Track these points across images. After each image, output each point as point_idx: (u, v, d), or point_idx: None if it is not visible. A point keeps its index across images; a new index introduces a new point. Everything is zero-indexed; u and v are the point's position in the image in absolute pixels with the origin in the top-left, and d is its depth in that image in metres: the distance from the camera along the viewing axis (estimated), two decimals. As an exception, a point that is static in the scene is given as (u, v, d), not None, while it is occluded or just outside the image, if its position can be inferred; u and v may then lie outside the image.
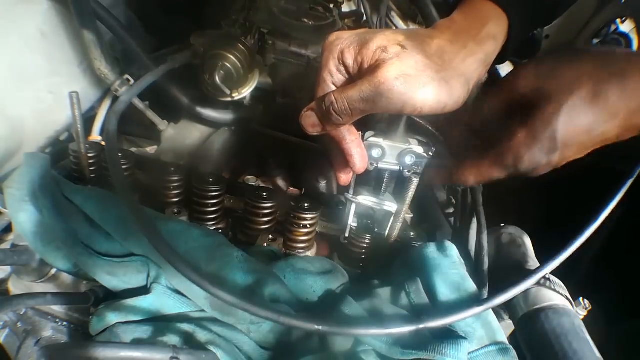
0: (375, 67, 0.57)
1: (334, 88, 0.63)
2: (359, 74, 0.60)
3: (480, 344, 0.59)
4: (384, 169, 0.70)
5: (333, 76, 0.62)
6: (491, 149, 0.65)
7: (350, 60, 0.60)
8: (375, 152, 0.67)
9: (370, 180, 0.73)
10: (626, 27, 1.48)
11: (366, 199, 0.72)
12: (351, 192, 0.72)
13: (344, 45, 0.60)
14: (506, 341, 0.60)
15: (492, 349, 0.58)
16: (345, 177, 0.71)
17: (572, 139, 0.60)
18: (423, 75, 0.56)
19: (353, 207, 0.72)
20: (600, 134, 0.60)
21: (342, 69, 0.61)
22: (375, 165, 0.68)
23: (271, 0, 0.97)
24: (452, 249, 0.69)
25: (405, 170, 0.68)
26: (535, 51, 1.34)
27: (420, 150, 0.68)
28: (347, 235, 0.75)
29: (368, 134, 0.68)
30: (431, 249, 0.68)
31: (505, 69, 1.35)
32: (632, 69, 0.59)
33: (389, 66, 0.55)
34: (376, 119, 0.72)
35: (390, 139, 0.68)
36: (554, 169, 0.63)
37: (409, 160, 0.68)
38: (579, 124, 0.60)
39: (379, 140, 0.67)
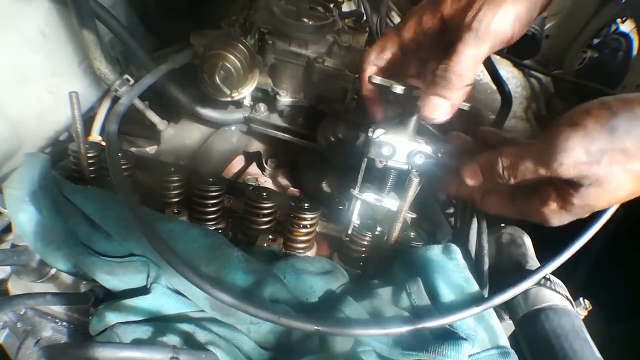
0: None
1: None
2: None
3: (482, 347, 0.59)
4: (393, 167, 0.69)
5: None
6: (520, 201, 0.64)
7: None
8: (386, 150, 0.67)
9: (375, 178, 0.73)
10: (626, 27, 1.47)
11: (370, 197, 0.71)
12: (357, 189, 0.72)
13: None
14: (508, 345, 0.60)
15: (493, 353, 0.58)
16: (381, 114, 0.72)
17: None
18: None
19: (358, 204, 0.72)
20: None
21: None
22: (384, 162, 0.68)
23: (271, 0, 0.97)
24: (457, 252, 0.68)
25: (414, 170, 0.68)
26: (535, 51, 1.34)
27: (429, 150, 0.67)
28: (349, 232, 0.75)
29: (378, 132, 0.67)
30: (435, 251, 0.68)
31: (505, 69, 1.35)
32: None
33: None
34: (388, 116, 0.71)
35: (400, 137, 0.67)
36: None
37: (418, 160, 0.67)
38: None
39: (390, 139, 0.66)
